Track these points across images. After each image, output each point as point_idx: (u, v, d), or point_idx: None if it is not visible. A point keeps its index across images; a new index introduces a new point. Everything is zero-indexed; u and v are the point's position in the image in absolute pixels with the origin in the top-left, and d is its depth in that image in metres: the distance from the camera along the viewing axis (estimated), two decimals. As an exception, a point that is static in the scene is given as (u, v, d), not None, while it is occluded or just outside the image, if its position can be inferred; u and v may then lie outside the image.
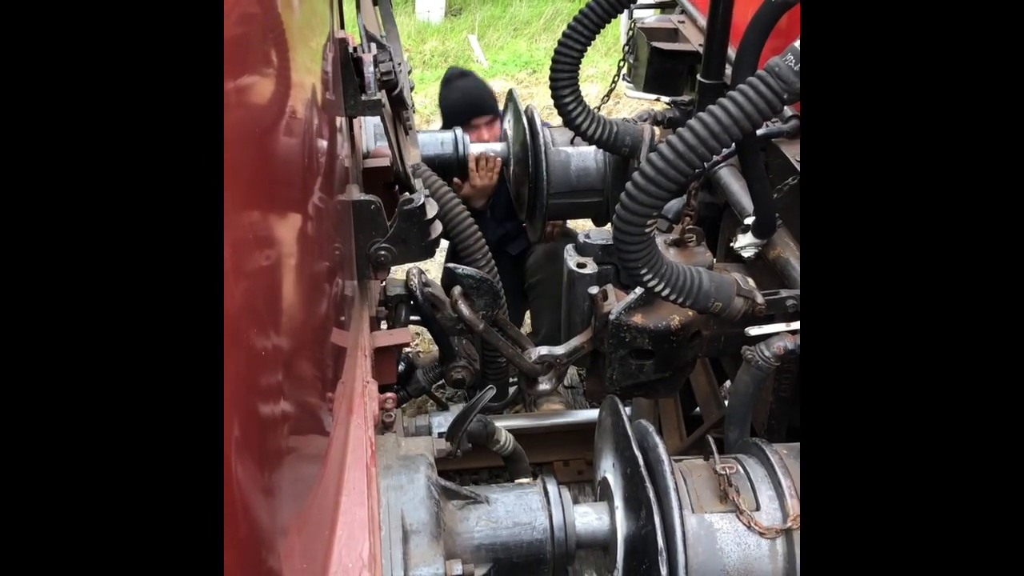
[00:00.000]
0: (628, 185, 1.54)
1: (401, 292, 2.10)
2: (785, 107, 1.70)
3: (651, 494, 1.42)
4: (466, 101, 3.47)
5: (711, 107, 1.43)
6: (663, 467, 1.48)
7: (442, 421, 1.93)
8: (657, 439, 1.53)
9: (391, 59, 1.60)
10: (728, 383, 2.82)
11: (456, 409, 1.96)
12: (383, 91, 1.57)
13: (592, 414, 3.33)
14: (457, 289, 2.16)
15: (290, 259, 1.04)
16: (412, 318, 2.14)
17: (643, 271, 1.68)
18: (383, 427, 1.60)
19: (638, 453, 1.49)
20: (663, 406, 2.88)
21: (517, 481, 2.04)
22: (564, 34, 2.30)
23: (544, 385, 2.30)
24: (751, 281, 1.86)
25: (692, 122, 1.43)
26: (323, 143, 1.21)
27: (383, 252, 1.62)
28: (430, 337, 2.80)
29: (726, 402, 2.60)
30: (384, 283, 2.12)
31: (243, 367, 0.81)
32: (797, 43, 1.50)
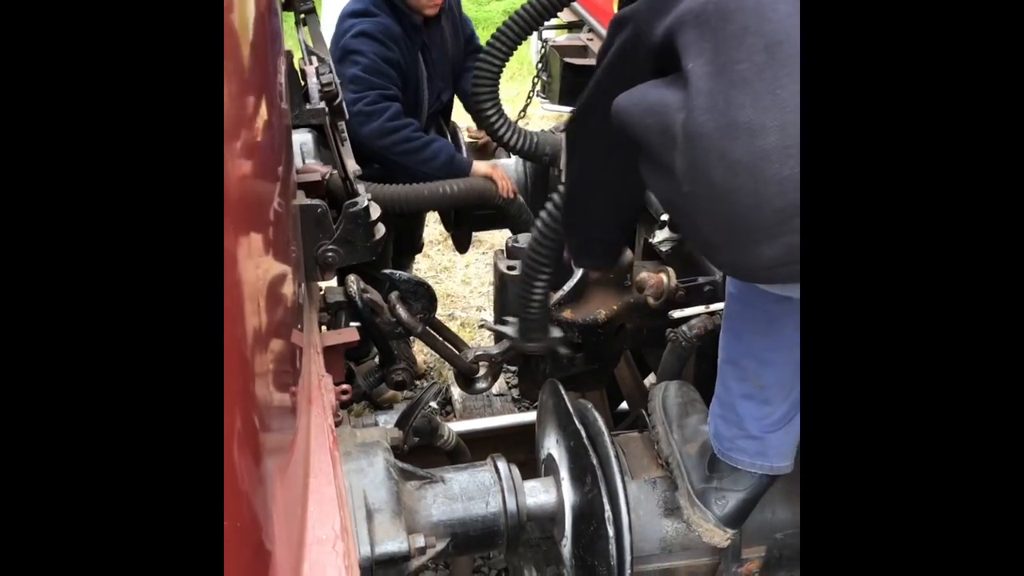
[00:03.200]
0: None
1: (341, 299, 2.18)
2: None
3: (595, 461, 1.54)
4: None
5: None
6: (603, 438, 1.61)
7: (388, 419, 2.01)
8: (596, 414, 1.66)
9: (330, 71, 1.70)
10: (651, 375, 2.98)
11: (400, 407, 2.04)
12: (324, 101, 1.67)
13: (518, 417, 3.44)
14: (395, 294, 2.26)
15: (267, 261, 1.12)
16: (352, 324, 2.22)
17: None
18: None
19: (580, 427, 1.61)
20: (590, 398, 3.01)
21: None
22: (483, 50, 2.44)
23: (481, 384, 2.41)
24: (671, 270, 2.01)
25: None
26: (284, 150, 1.30)
27: (330, 254, 1.70)
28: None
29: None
30: (323, 291, 2.20)
31: (234, 366, 0.88)
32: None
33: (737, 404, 1.47)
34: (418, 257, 4.07)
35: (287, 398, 1.33)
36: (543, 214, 1.75)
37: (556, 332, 2.16)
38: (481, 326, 2.50)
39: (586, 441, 1.58)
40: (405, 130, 2.73)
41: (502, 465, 1.65)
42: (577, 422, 1.62)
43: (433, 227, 4.49)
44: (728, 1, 0.93)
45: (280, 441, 1.23)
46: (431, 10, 2.84)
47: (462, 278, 4.74)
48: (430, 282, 4.65)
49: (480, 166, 2.87)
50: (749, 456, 1.49)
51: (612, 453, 1.57)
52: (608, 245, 1.75)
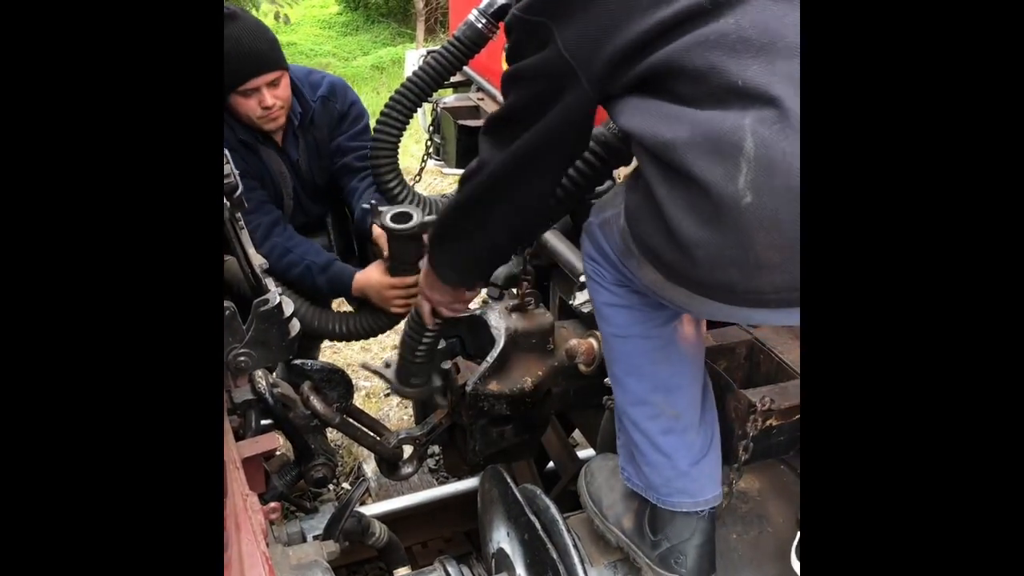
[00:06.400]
0: None
1: (249, 397, 2.02)
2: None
3: (554, 555, 1.45)
4: (240, 55, 2.34)
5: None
6: (558, 526, 1.52)
7: (314, 524, 1.86)
8: (547, 500, 1.57)
9: (228, 162, 1.57)
10: (576, 432, 2.91)
11: (327, 510, 1.89)
12: (224, 196, 1.54)
13: (440, 491, 3.31)
14: (307, 384, 2.11)
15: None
16: (263, 422, 2.06)
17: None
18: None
19: (534, 518, 1.51)
20: (517, 467, 2.92)
21: (399, 572, 2.01)
22: (379, 121, 2.35)
23: (407, 469, 2.28)
24: (599, 335, 1.95)
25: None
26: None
27: (242, 358, 1.56)
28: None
29: (579, 453, 2.68)
30: (229, 390, 2.03)
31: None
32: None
33: (661, 443, 1.44)
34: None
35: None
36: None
37: (438, 381, 2.11)
38: (362, 366, 2.32)
39: (542, 533, 1.48)
40: (272, 254, 2.40)
41: (452, 568, 1.54)
42: (529, 512, 1.53)
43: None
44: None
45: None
46: (269, 125, 2.48)
47: (362, 344, 4.58)
48: (327, 352, 4.50)
49: (370, 278, 2.39)
50: (690, 496, 1.46)
51: (570, 542, 1.48)
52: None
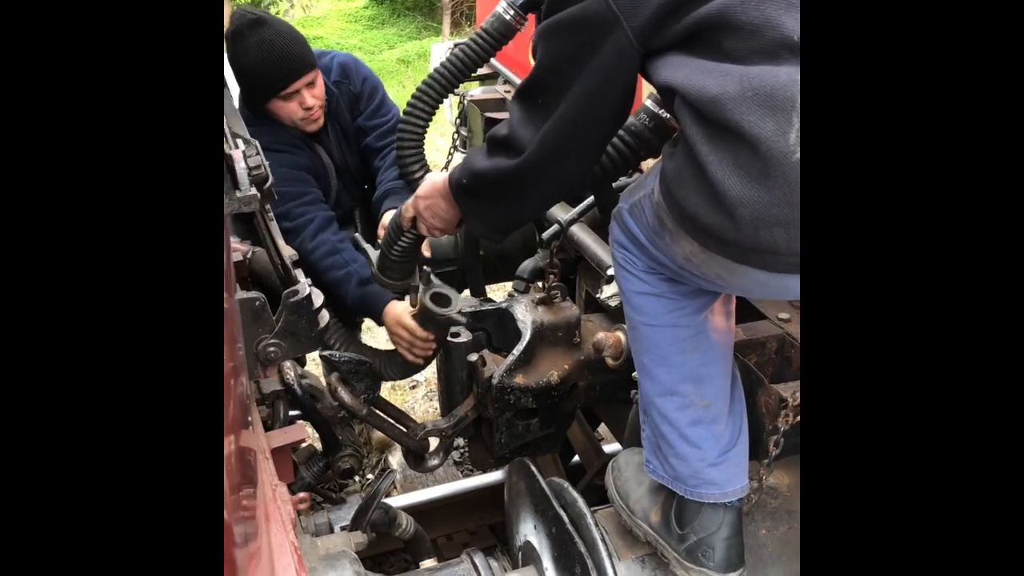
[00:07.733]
0: None
1: (278, 388, 2.03)
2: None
3: (582, 549, 1.44)
4: (272, 61, 2.34)
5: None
6: (586, 520, 1.51)
7: (341, 515, 1.86)
8: (575, 494, 1.57)
9: (258, 152, 1.58)
10: (603, 426, 2.90)
11: (354, 501, 1.90)
12: (254, 186, 1.54)
13: (465, 483, 3.31)
14: (335, 375, 2.12)
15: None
16: (291, 413, 2.07)
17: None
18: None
19: (562, 512, 1.51)
20: (542, 460, 2.92)
21: (425, 564, 2.01)
22: (405, 113, 2.35)
23: (433, 461, 2.28)
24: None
25: None
26: (225, 243, 1.17)
27: (272, 348, 1.57)
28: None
29: (605, 448, 2.67)
30: (257, 380, 2.04)
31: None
32: (648, 101, 1.62)
33: (689, 434, 1.42)
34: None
35: (245, 517, 1.20)
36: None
37: (416, 280, 2.12)
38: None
39: (570, 527, 1.48)
40: (319, 249, 2.48)
41: (479, 560, 1.54)
42: (557, 506, 1.52)
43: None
44: None
45: (242, 569, 1.10)
46: (311, 127, 2.52)
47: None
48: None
49: (396, 311, 2.40)
50: (718, 487, 1.44)
51: (598, 536, 1.48)
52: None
